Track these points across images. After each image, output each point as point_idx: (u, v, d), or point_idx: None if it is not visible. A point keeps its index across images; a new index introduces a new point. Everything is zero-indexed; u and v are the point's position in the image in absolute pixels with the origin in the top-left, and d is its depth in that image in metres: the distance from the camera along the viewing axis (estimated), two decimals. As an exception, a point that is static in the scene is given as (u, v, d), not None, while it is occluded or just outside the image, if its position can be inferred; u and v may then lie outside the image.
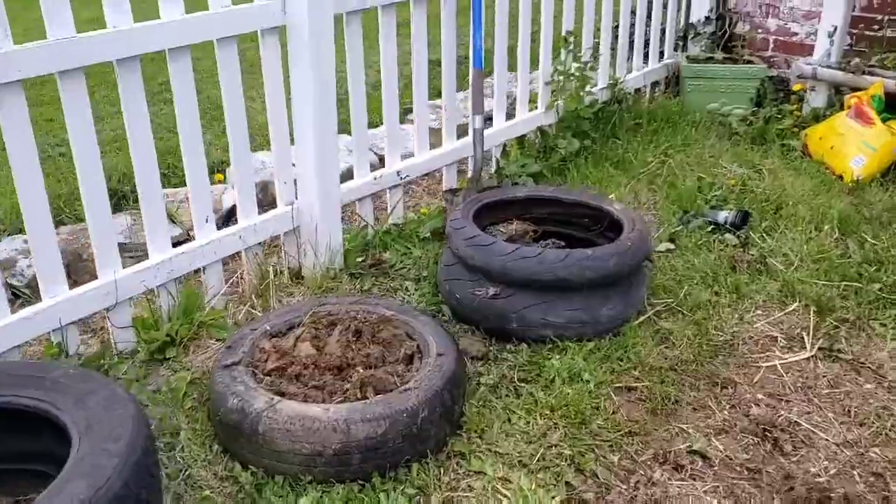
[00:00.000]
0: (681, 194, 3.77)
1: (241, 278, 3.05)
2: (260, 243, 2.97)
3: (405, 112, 4.30)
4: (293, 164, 3.00)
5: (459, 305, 2.83)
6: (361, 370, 2.25)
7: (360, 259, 3.22)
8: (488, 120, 3.87)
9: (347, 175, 3.42)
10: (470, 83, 3.55)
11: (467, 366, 2.54)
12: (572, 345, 2.69)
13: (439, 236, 3.39)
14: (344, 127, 3.54)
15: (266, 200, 3.49)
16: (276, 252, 3.23)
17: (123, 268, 2.57)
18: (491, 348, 2.73)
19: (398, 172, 3.42)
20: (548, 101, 4.15)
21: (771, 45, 4.92)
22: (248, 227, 2.88)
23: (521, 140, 4.08)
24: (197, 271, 2.82)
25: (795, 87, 4.45)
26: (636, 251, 2.79)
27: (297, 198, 3.04)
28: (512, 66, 4.12)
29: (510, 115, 4.04)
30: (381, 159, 3.77)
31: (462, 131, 3.81)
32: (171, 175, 4.04)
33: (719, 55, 4.84)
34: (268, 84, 2.85)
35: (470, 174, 3.63)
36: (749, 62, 4.72)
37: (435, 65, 3.63)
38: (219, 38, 2.61)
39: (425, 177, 3.89)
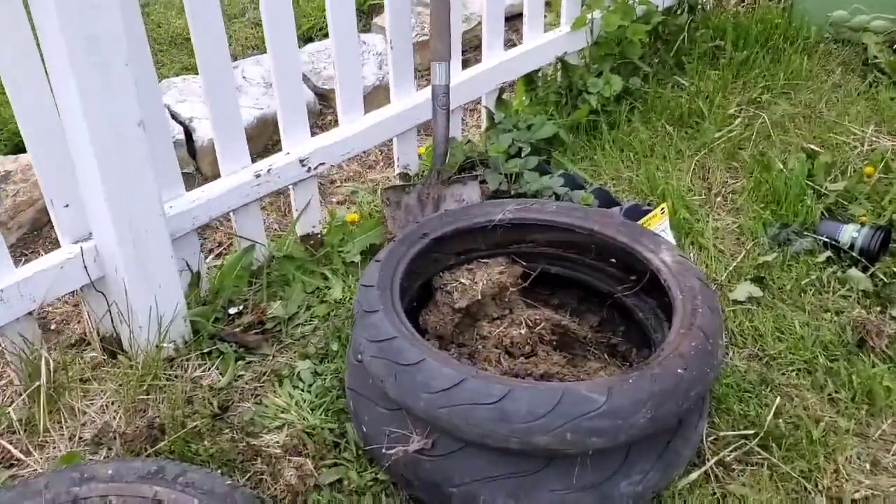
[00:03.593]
0: (777, 186, 2.33)
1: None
2: (29, 314, 1.69)
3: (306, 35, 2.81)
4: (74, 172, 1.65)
5: (368, 441, 1.57)
6: None
7: (234, 312, 1.94)
8: (474, 50, 2.40)
9: (209, 149, 2.03)
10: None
11: None
12: (560, 550, 1.44)
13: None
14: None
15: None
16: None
17: None
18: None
19: (302, 161, 2.03)
20: (577, 15, 2.63)
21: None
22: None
23: (530, 78, 2.60)
24: None
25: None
26: (694, 381, 1.45)
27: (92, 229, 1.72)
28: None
29: (510, 39, 2.55)
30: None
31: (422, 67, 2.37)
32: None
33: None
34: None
35: (434, 151, 2.22)
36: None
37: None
38: None
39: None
